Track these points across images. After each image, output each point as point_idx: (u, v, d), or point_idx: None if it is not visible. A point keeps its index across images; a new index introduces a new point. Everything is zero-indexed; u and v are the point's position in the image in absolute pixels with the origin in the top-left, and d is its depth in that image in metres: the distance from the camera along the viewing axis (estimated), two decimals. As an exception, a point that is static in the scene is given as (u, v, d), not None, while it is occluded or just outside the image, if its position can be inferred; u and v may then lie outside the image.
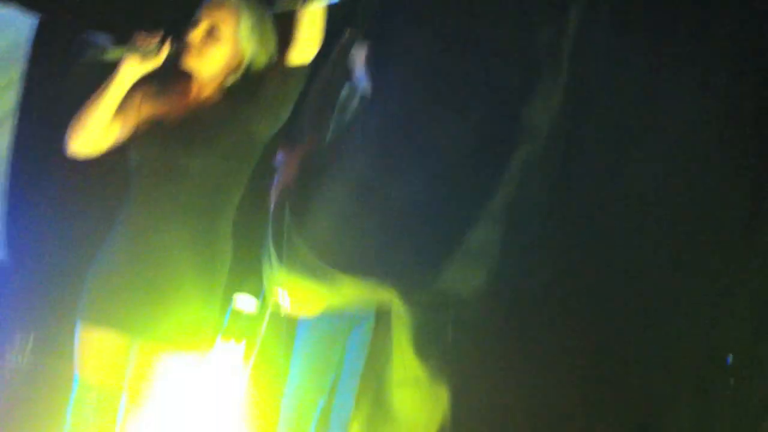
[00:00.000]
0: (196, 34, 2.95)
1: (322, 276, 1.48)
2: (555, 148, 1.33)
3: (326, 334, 3.72)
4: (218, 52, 2.95)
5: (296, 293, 1.82)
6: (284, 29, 2.94)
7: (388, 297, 1.49)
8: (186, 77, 3.02)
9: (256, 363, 3.38)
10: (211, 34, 2.95)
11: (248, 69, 3.01)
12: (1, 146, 4.03)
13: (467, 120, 1.32)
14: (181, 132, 2.93)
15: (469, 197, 1.35)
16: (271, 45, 3.06)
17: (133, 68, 2.87)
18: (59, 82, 3.77)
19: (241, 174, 2.94)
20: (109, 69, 2.94)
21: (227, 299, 2.99)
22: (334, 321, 3.71)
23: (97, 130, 2.91)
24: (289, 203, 1.40)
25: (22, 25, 3.97)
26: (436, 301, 1.43)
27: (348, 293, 1.57)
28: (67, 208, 4.14)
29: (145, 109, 2.99)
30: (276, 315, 3.52)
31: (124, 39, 2.88)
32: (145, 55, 2.86)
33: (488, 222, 1.37)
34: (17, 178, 3.87)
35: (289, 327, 3.77)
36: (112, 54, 2.86)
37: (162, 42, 2.87)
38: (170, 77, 3.01)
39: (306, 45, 2.85)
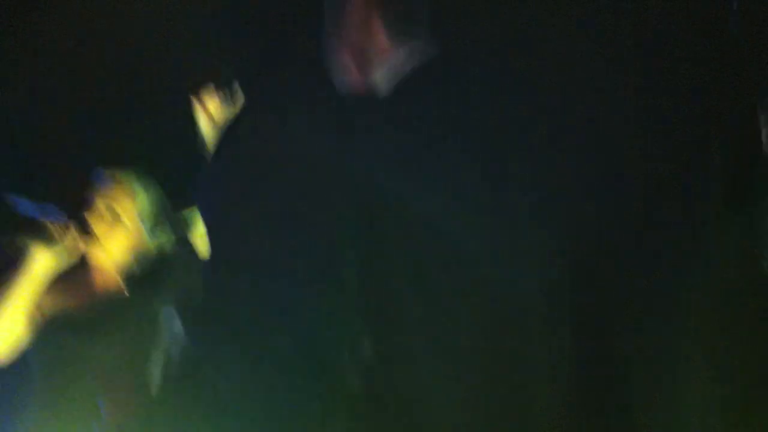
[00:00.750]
0: (96, 221, 2.86)
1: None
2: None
3: None
4: (120, 237, 2.87)
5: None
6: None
7: None
8: (88, 264, 2.93)
9: None
10: (109, 218, 2.87)
11: (151, 251, 2.93)
12: None
13: None
14: (86, 324, 2.80)
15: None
16: (173, 224, 2.99)
17: (45, 266, 2.76)
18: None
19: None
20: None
21: None
22: None
23: (7, 333, 2.78)
24: None
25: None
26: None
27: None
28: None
29: (46, 302, 2.85)
30: None
31: (36, 229, 2.76)
32: (53, 244, 2.74)
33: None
34: None
35: None
36: (22, 244, 2.75)
37: (68, 226, 2.77)
38: (72, 265, 2.88)
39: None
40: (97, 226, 2.83)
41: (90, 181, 2.93)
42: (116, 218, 2.86)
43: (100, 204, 2.86)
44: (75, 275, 2.90)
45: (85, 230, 2.80)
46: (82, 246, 2.79)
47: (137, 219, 2.89)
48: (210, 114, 2.64)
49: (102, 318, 2.80)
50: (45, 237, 2.72)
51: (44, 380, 2.80)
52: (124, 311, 2.81)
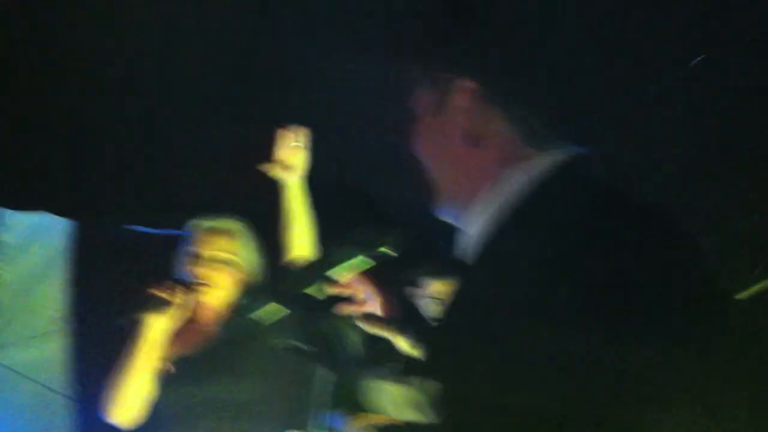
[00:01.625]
0: (200, 269, 2.91)
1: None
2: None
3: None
4: (226, 279, 2.93)
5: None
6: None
7: None
8: (197, 309, 2.97)
9: None
10: (214, 264, 2.93)
11: (255, 284, 3.01)
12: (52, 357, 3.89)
13: None
14: (210, 366, 2.87)
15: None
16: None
17: (157, 327, 2.81)
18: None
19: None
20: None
21: None
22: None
23: (138, 396, 2.84)
24: None
25: (57, 231, 3.85)
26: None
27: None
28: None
29: (170, 354, 2.91)
30: None
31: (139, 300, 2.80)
32: (163, 309, 2.80)
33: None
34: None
35: None
36: (134, 318, 2.80)
37: (173, 288, 2.81)
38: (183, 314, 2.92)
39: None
40: (203, 275, 2.86)
41: (184, 237, 2.96)
42: (223, 265, 2.90)
43: (201, 253, 2.89)
44: (192, 321, 2.95)
45: (191, 286, 2.82)
46: (192, 300, 2.83)
47: (242, 256, 2.92)
48: (284, 162, 2.70)
49: (224, 358, 2.85)
50: (156, 305, 2.75)
51: (179, 425, 2.86)
52: (244, 348, 2.85)
